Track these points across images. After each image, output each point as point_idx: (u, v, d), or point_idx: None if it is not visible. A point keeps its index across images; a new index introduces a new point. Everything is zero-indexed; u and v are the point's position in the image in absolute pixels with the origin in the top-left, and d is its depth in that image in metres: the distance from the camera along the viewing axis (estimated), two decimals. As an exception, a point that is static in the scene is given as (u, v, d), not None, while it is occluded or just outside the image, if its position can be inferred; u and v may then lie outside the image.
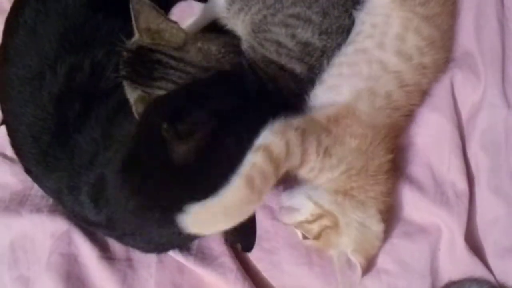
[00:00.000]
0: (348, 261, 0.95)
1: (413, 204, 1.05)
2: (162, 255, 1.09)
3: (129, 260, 1.10)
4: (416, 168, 1.07)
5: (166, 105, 0.95)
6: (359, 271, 0.95)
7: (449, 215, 1.02)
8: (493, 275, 1.00)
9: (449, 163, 1.06)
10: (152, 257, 1.09)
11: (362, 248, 0.96)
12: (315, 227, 0.96)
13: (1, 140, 1.21)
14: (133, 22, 1.04)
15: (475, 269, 1.00)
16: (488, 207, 1.03)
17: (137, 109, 1.02)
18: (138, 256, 1.10)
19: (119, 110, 1.05)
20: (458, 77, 1.09)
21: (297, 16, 1.04)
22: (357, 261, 0.94)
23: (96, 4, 1.13)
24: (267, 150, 0.86)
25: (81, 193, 1.02)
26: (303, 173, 0.93)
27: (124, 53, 1.05)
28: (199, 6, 1.25)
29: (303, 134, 0.90)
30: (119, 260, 1.10)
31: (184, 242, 1.06)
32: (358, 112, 0.97)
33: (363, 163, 0.95)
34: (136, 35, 1.05)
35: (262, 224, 1.08)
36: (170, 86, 1.02)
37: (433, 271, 1.02)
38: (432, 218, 1.04)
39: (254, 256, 1.08)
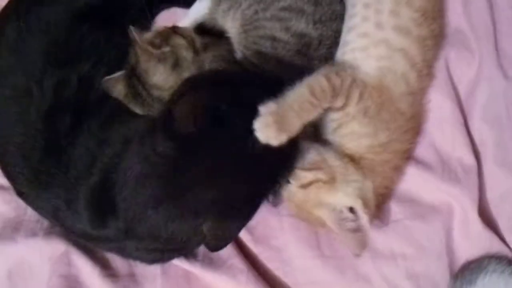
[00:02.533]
0: (344, 217, 0.94)
1: (423, 185, 1.04)
2: (167, 266, 1.06)
3: (132, 275, 1.07)
4: (421, 149, 1.07)
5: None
6: (366, 220, 0.93)
7: (460, 191, 1.02)
8: (510, 249, 1.00)
9: (453, 140, 1.06)
10: (156, 270, 1.06)
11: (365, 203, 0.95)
12: (308, 176, 0.95)
13: (-10, 167, 1.18)
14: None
15: (491, 244, 1.00)
16: (497, 181, 1.03)
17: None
18: (141, 270, 1.07)
19: (112, 117, 1.04)
20: (451, 54, 1.10)
21: (288, 9, 1.04)
22: (364, 211, 0.93)
23: (80, 17, 1.11)
24: (327, 77, 0.94)
25: (79, 205, 0.99)
26: (339, 116, 0.98)
27: (126, 66, 1.05)
28: (183, 13, 1.23)
29: (353, 81, 0.96)
30: (123, 276, 1.07)
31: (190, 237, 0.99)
32: (389, 90, 0.99)
33: (386, 139, 0.98)
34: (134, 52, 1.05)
35: (269, 222, 1.06)
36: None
37: (449, 251, 1.02)
38: (443, 196, 1.04)
39: (264, 256, 1.06)
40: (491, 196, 1.03)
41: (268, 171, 0.91)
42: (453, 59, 1.10)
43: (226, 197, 0.88)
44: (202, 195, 0.88)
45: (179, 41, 1.06)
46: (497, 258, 0.99)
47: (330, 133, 1.00)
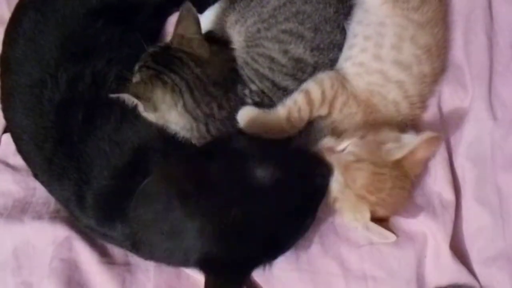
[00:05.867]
0: None
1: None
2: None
3: (127, 264, 1.12)
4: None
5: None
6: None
7: (435, 225, 1.04)
8: (478, 281, 1.03)
9: (435, 174, 1.08)
10: (150, 262, 1.10)
11: None
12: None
13: (4, 148, 1.24)
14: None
15: (460, 276, 1.03)
16: (473, 216, 1.05)
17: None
18: (136, 260, 1.12)
19: (123, 119, 1.06)
20: (446, 89, 1.11)
21: (289, 32, 1.05)
22: None
23: (95, 12, 1.13)
24: (307, 93, 1.02)
25: (87, 202, 1.04)
26: (329, 122, 1.05)
27: (151, 49, 1.06)
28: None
29: (337, 91, 1.03)
30: (118, 265, 1.12)
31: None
32: (377, 107, 1.04)
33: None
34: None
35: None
36: (183, 85, 1.02)
37: (419, 278, 1.05)
38: (419, 226, 1.06)
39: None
40: (467, 230, 1.06)
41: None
42: (447, 95, 1.11)
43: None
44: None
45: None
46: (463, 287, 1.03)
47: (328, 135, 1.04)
